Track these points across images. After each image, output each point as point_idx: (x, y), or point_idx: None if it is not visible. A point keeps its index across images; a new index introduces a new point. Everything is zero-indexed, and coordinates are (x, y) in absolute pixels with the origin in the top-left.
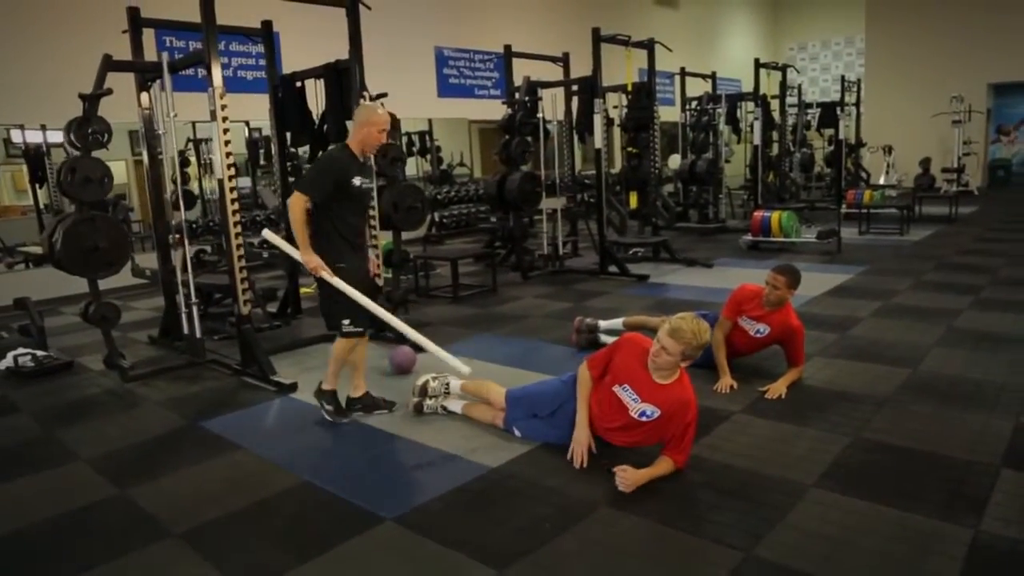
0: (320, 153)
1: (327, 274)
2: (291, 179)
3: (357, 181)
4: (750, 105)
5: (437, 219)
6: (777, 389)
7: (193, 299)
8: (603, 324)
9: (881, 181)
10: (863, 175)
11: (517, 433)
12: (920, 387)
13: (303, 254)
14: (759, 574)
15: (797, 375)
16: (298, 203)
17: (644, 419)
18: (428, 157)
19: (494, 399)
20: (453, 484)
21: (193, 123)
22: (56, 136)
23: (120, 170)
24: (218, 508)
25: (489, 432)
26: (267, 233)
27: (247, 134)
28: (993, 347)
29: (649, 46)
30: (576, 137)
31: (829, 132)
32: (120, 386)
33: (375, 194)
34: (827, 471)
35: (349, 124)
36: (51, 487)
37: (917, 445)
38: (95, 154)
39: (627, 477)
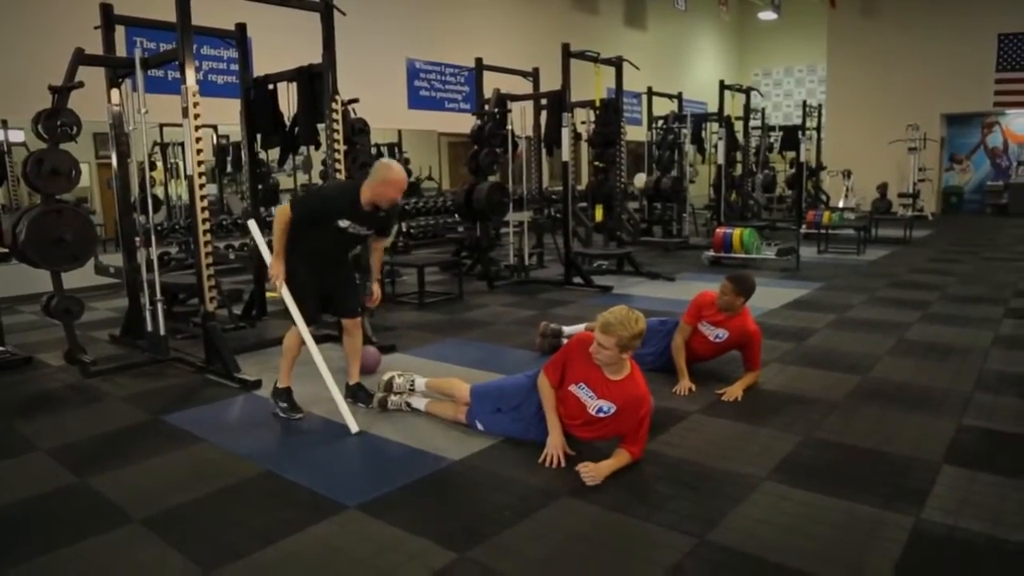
0: (322, 181)
1: (281, 285)
2: (260, 186)
3: (343, 224)
4: (715, 126)
5: (404, 229)
6: (733, 392)
7: (158, 296)
8: (567, 330)
9: (840, 204)
10: (823, 197)
11: (480, 427)
12: (870, 392)
13: (273, 259)
14: (712, 558)
15: (753, 379)
16: (282, 215)
17: (601, 415)
18: None
19: (458, 394)
20: (416, 475)
21: (160, 126)
22: (17, 135)
23: (84, 172)
24: (180, 495)
25: (453, 428)
26: (252, 224)
27: (214, 140)
28: (940, 357)
29: (617, 64)
30: (544, 151)
31: (791, 155)
32: (81, 381)
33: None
34: (779, 466)
35: (320, 128)
36: (9, 475)
37: (864, 444)
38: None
39: (592, 472)
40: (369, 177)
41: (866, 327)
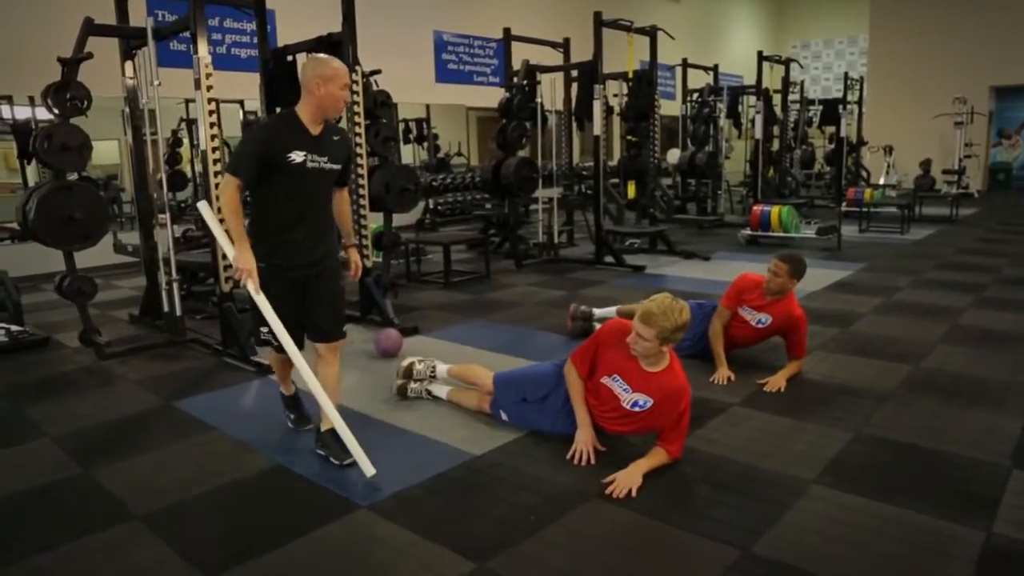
0: None
1: (251, 285)
2: None
3: (296, 157)
4: (751, 99)
5: (432, 206)
6: (776, 382)
7: (175, 276)
8: (597, 312)
9: (881, 181)
10: (863, 174)
11: (504, 417)
12: (923, 383)
13: (236, 250)
14: (758, 573)
15: (797, 368)
16: (228, 187)
17: (636, 409)
18: (425, 144)
19: (482, 382)
20: (434, 471)
21: (186, 101)
22: (46, 113)
23: (113, 149)
24: (185, 491)
25: (475, 419)
26: (202, 206)
27: (241, 116)
28: (997, 345)
29: (652, 33)
30: (575, 125)
31: (830, 130)
32: (95, 363)
33: (363, 179)
34: (828, 467)
35: None
36: (13, 464)
37: (921, 442)
38: (76, 122)
39: (624, 485)
40: (303, 88)
41: (915, 312)
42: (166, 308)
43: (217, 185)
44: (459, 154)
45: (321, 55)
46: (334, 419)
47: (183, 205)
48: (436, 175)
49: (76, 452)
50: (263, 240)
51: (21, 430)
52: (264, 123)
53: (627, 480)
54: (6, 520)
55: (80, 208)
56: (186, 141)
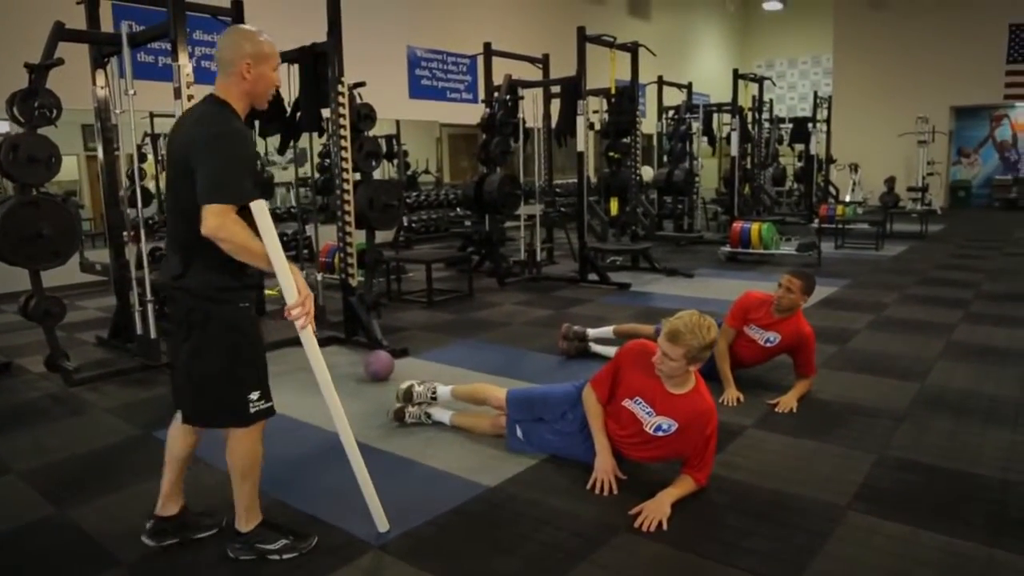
0: (223, 131)
1: (311, 327)
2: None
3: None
4: (726, 117)
5: (406, 223)
6: (788, 403)
7: (148, 296)
8: (591, 332)
9: (847, 198)
10: (832, 191)
11: (519, 435)
12: (933, 401)
13: (293, 278)
14: None
15: (807, 387)
16: (230, 219)
17: (660, 434)
18: (395, 161)
19: (493, 400)
20: (447, 506)
21: (151, 115)
22: (2, 125)
23: (71, 165)
24: None
25: (484, 445)
26: (258, 207)
27: None
28: (998, 361)
29: (633, 49)
30: (556, 142)
31: (799, 147)
32: (63, 390)
33: (348, 195)
34: (860, 492)
35: (325, 112)
36: None
37: (947, 464)
38: (42, 132)
39: (653, 516)
40: (229, 68)
41: (908, 328)
42: (139, 330)
43: None
44: (427, 171)
45: (242, 26)
46: (355, 462)
47: (150, 222)
48: (407, 192)
49: (48, 489)
50: (236, 273)
51: None
52: (233, 127)
53: (656, 511)
54: None
55: (48, 224)
56: (150, 156)
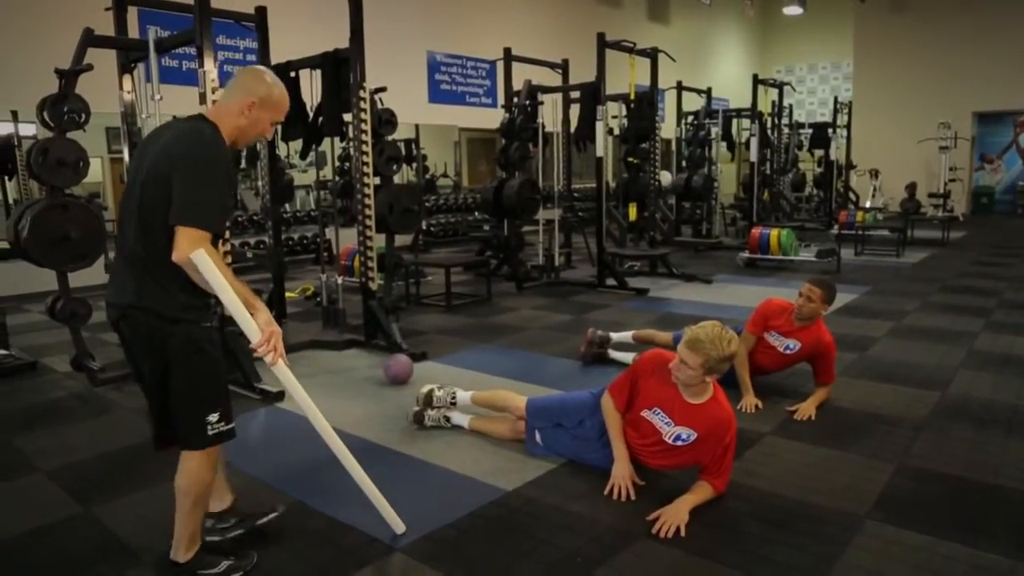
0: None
1: (282, 360)
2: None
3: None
4: (745, 122)
5: (424, 227)
6: (806, 410)
7: None
8: (615, 336)
9: (868, 204)
10: (852, 197)
11: (538, 440)
12: (954, 411)
13: (257, 312)
14: None
15: (826, 395)
16: (205, 247)
17: (679, 443)
18: (414, 165)
19: (513, 407)
20: (466, 509)
21: (174, 119)
22: (29, 128)
23: (95, 167)
24: None
25: (503, 449)
26: (198, 258)
27: None
28: (1021, 371)
29: (653, 55)
30: (575, 147)
31: (819, 153)
32: (88, 390)
33: (369, 199)
34: (879, 502)
35: (346, 117)
36: (6, 503)
37: (969, 474)
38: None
39: (671, 522)
40: (230, 103)
41: (929, 336)
42: None
43: None
44: (444, 175)
45: (259, 67)
46: (353, 471)
47: None
48: (427, 196)
49: (74, 488)
50: (197, 292)
51: (12, 463)
52: (217, 154)
53: (674, 518)
54: (2, 567)
55: (76, 227)
56: None
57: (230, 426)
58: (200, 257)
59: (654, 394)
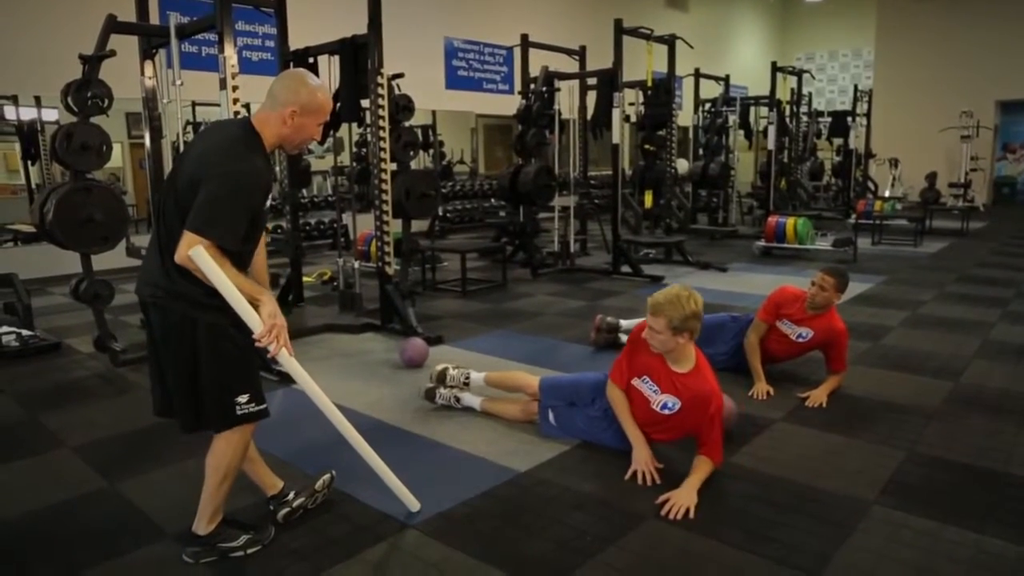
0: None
1: (285, 350)
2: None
3: (270, 200)
4: (763, 110)
5: (441, 213)
6: (818, 397)
7: None
8: (624, 324)
9: (886, 194)
10: (871, 186)
11: (552, 419)
12: (967, 400)
13: (263, 303)
14: None
15: (837, 383)
16: (208, 256)
17: (666, 412)
18: (431, 152)
19: (527, 386)
20: (479, 489)
21: (193, 104)
22: (51, 114)
23: (115, 151)
24: None
25: (514, 432)
26: (196, 254)
27: None
28: None
29: (670, 42)
30: (591, 134)
31: (838, 142)
32: (111, 370)
33: (386, 184)
34: (887, 487)
35: (364, 103)
36: (34, 476)
37: (977, 462)
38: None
39: (680, 504)
40: (274, 108)
41: (944, 326)
42: None
43: None
44: (461, 162)
45: (300, 70)
46: (365, 454)
47: None
48: (443, 182)
49: (98, 464)
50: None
51: (39, 439)
52: (255, 167)
53: (683, 499)
54: (31, 538)
55: (99, 210)
56: None
57: (261, 406)
58: (198, 253)
59: (643, 363)
